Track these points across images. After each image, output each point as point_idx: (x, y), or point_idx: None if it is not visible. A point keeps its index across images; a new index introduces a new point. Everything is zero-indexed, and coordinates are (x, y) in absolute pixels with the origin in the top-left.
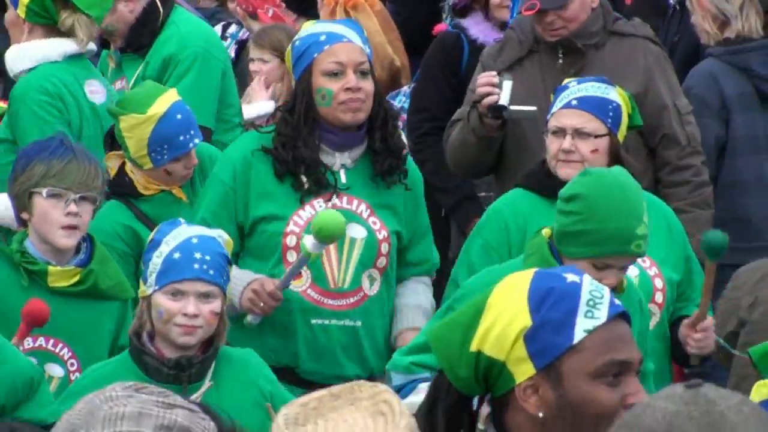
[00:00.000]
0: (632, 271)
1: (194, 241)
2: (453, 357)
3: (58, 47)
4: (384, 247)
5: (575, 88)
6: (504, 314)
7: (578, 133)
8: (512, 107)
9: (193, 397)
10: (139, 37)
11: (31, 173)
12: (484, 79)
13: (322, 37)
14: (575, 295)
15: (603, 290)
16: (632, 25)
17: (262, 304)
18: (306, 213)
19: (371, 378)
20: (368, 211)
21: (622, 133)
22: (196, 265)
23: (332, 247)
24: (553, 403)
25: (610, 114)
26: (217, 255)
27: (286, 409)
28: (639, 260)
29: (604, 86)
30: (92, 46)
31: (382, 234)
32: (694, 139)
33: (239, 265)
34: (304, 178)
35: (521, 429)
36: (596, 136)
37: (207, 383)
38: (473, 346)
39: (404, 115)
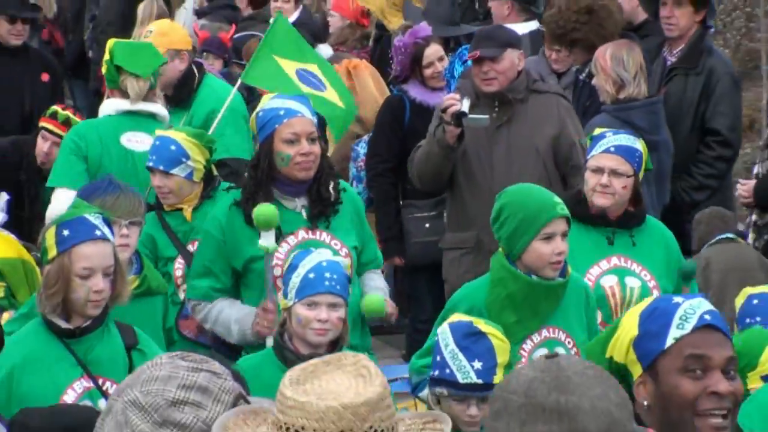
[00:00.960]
0: (635, 283)
1: (324, 264)
2: (597, 362)
3: (112, 105)
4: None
5: (612, 138)
6: (625, 328)
7: (614, 173)
8: (470, 116)
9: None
10: (180, 94)
11: (90, 202)
12: (449, 96)
13: (281, 112)
14: (672, 312)
15: (697, 308)
16: (547, 85)
17: (265, 323)
18: (284, 248)
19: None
20: (329, 236)
21: (641, 174)
22: (326, 282)
23: None
24: (654, 394)
25: (637, 159)
26: (341, 275)
27: (291, 372)
28: (640, 273)
29: (633, 138)
30: (158, 109)
31: (343, 251)
32: None
33: (242, 296)
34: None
35: (643, 417)
36: (627, 176)
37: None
38: (608, 353)
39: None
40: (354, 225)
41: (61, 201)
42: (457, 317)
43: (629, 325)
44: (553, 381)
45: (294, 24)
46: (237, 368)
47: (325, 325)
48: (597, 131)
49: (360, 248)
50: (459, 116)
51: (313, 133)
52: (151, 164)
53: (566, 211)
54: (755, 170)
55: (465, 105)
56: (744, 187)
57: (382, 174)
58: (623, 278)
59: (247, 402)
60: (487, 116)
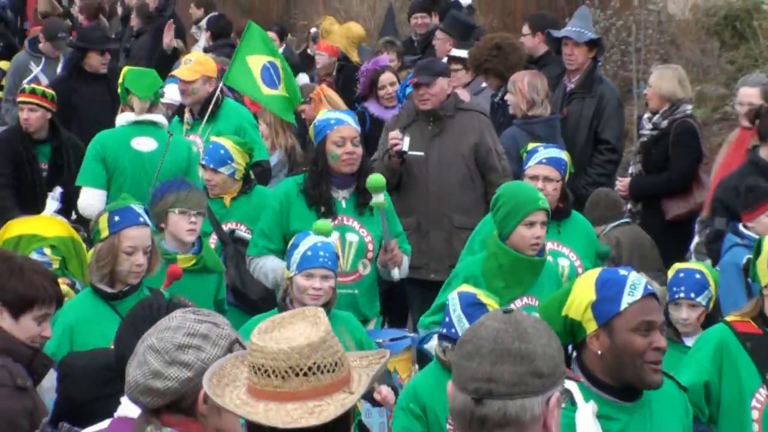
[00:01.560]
0: (565, 262)
1: (318, 244)
2: (553, 319)
3: (123, 117)
4: (370, 245)
5: (543, 151)
6: (581, 293)
7: (546, 179)
8: (409, 152)
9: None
10: (205, 110)
11: (166, 201)
12: (394, 136)
13: (332, 121)
14: (623, 282)
15: (641, 280)
16: (470, 105)
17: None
18: (333, 236)
19: (364, 321)
20: (358, 224)
21: (566, 178)
22: (320, 259)
23: (339, 248)
24: (607, 345)
25: (563, 167)
26: (331, 253)
27: (261, 323)
28: (568, 254)
29: (558, 150)
30: (158, 118)
31: (368, 238)
32: (505, 170)
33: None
34: (323, 208)
35: (590, 362)
36: (556, 181)
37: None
38: (563, 312)
39: None
40: (376, 220)
41: (87, 196)
42: (465, 288)
43: (585, 291)
44: (515, 332)
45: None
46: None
47: (319, 292)
48: (530, 146)
49: (379, 237)
50: (401, 153)
51: (356, 138)
52: (203, 162)
53: (546, 205)
54: (630, 170)
55: (405, 144)
56: (621, 184)
57: None
58: (556, 258)
59: (243, 347)
60: (421, 153)
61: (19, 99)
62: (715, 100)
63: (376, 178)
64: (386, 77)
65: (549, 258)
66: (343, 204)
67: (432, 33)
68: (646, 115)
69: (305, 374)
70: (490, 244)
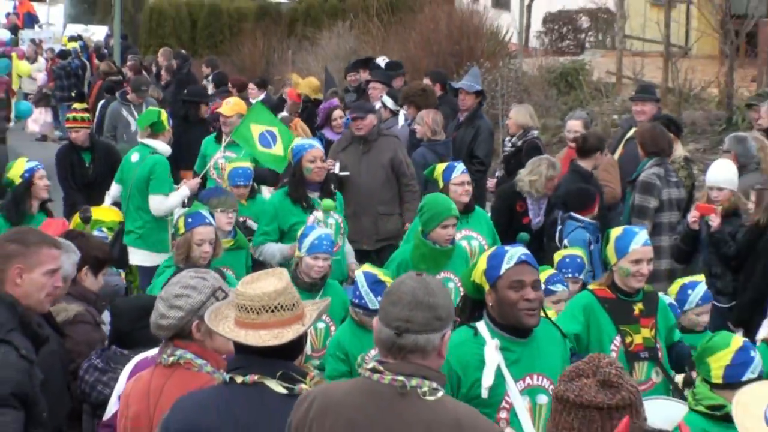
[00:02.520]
0: (475, 243)
1: (322, 235)
2: (466, 284)
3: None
4: (341, 224)
5: (459, 167)
6: (480, 264)
7: (466, 183)
8: (339, 173)
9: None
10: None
11: (210, 203)
12: (329, 161)
13: (306, 145)
14: (503, 254)
15: (517, 252)
16: (389, 130)
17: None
18: (311, 219)
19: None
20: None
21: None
22: (324, 245)
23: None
24: (495, 299)
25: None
26: (330, 241)
27: (245, 277)
28: (477, 237)
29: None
30: (147, 141)
31: (339, 220)
32: (411, 175)
33: (285, 242)
34: (304, 204)
35: (491, 311)
36: (468, 184)
37: (326, 299)
38: (472, 278)
39: None
40: (342, 205)
41: (114, 189)
42: (367, 268)
43: (482, 263)
44: (425, 289)
45: (261, 101)
46: (219, 270)
47: (321, 269)
48: (447, 165)
49: (342, 221)
50: (335, 173)
51: (322, 157)
52: (240, 181)
53: (456, 213)
54: (496, 174)
55: (336, 167)
56: (490, 184)
57: None
58: (470, 240)
59: (225, 293)
60: (348, 173)
61: (68, 125)
62: (553, 129)
63: (326, 203)
64: (337, 113)
65: (463, 241)
66: (318, 200)
67: (361, 85)
68: (507, 138)
69: (272, 311)
70: (416, 238)
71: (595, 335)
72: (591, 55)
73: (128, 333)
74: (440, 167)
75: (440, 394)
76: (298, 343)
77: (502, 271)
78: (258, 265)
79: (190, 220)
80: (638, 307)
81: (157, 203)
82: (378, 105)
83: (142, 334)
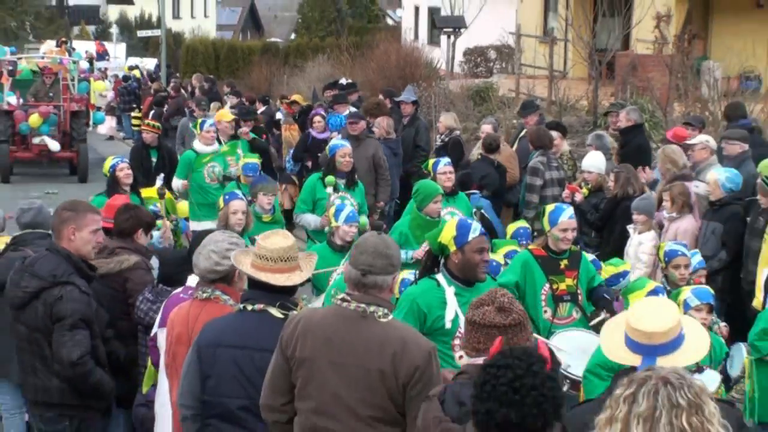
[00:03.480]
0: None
1: (351, 212)
2: (433, 243)
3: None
4: (355, 205)
5: (443, 160)
6: (449, 230)
7: (449, 173)
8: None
9: (310, 257)
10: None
11: (256, 188)
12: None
13: (339, 144)
14: (469, 226)
15: (479, 226)
16: (370, 134)
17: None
18: (333, 197)
19: None
20: (349, 197)
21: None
22: (354, 217)
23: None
24: (461, 258)
25: (452, 167)
26: (356, 216)
27: (262, 234)
28: (458, 214)
29: (447, 159)
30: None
31: (354, 204)
32: (386, 168)
33: (315, 212)
34: (332, 188)
35: (451, 266)
36: (451, 173)
37: (313, 253)
38: (439, 239)
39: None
40: (360, 194)
41: (175, 181)
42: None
43: (451, 228)
44: (384, 243)
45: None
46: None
47: (353, 234)
48: (435, 160)
49: (360, 204)
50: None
51: (350, 153)
52: (249, 173)
53: (442, 191)
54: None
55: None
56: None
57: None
58: (453, 215)
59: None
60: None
61: (143, 129)
62: (471, 130)
63: (328, 179)
64: (317, 117)
65: (447, 216)
66: (342, 185)
67: (335, 98)
68: (438, 136)
69: (284, 261)
70: (413, 213)
71: (530, 282)
72: (497, 78)
73: (171, 276)
74: (430, 162)
75: (390, 317)
76: (295, 287)
77: (469, 238)
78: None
79: (227, 197)
80: (564, 263)
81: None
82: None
83: (181, 277)
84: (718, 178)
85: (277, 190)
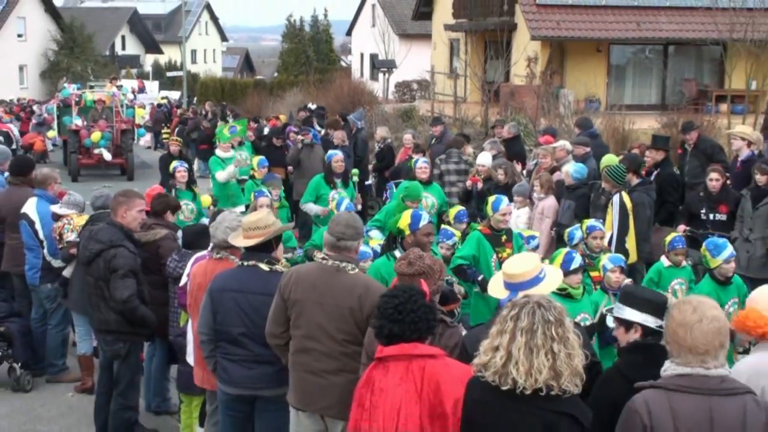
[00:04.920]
0: (430, 201)
1: (348, 202)
2: (392, 227)
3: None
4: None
5: (423, 159)
6: (404, 219)
7: (425, 170)
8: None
9: (286, 226)
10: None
11: (266, 182)
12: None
13: (333, 154)
14: (420, 216)
15: (427, 216)
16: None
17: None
18: (333, 192)
19: None
20: (345, 193)
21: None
22: (352, 207)
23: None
24: (413, 239)
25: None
26: (351, 205)
27: (248, 215)
28: (431, 197)
29: (426, 159)
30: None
31: (349, 197)
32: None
33: (319, 203)
34: (332, 185)
35: (406, 244)
36: (427, 166)
37: (290, 224)
38: (398, 225)
39: None
40: (351, 190)
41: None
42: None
43: (406, 218)
44: (351, 218)
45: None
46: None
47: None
48: (415, 159)
49: (350, 197)
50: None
51: (342, 159)
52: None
53: (422, 198)
54: (372, 162)
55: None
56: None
57: None
58: (426, 199)
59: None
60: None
61: (170, 142)
62: (400, 139)
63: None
64: (289, 130)
65: (423, 200)
66: (338, 184)
67: (308, 118)
68: (376, 143)
69: (254, 229)
70: (398, 201)
71: (482, 254)
72: (418, 102)
73: (191, 243)
74: (413, 161)
75: (357, 270)
76: (269, 245)
77: (420, 225)
78: (296, 217)
79: (257, 194)
80: (504, 237)
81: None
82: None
83: (198, 243)
84: (569, 170)
85: (280, 185)
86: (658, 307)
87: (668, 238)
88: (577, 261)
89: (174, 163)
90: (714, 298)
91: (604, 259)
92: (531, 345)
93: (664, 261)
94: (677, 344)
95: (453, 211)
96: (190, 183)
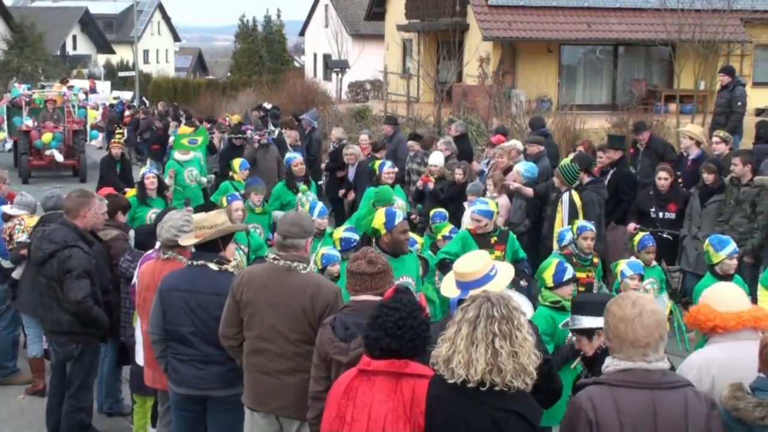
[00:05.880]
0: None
1: (322, 205)
2: (367, 227)
3: None
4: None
5: (388, 163)
6: (379, 218)
7: (391, 174)
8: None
9: (236, 226)
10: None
11: (249, 188)
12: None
13: (293, 157)
14: (395, 214)
15: (401, 214)
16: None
17: None
18: (299, 197)
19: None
20: (310, 193)
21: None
22: (325, 212)
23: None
24: (390, 238)
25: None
26: (325, 209)
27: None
28: (398, 200)
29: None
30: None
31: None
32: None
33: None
34: (294, 190)
35: (383, 244)
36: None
37: (244, 225)
38: (373, 225)
39: None
40: (313, 190)
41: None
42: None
43: (380, 217)
44: (299, 215)
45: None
46: None
47: (324, 225)
48: (381, 162)
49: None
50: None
51: (302, 162)
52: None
53: (393, 202)
54: (325, 161)
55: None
56: (323, 166)
57: None
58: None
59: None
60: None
61: (113, 145)
62: (356, 140)
63: (302, 187)
64: (245, 128)
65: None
66: (300, 186)
67: (259, 118)
68: (330, 144)
69: (199, 228)
70: (370, 207)
71: (469, 251)
72: (371, 102)
73: (143, 243)
74: (377, 163)
75: (308, 269)
76: (216, 244)
77: (396, 223)
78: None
79: (229, 198)
80: (493, 239)
81: None
82: (272, 128)
83: (151, 244)
84: (520, 170)
85: (264, 190)
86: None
87: (637, 238)
88: (569, 272)
89: (143, 170)
90: None
91: (623, 265)
92: (472, 338)
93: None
94: (619, 339)
95: (432, 212)
96: (161, 189)
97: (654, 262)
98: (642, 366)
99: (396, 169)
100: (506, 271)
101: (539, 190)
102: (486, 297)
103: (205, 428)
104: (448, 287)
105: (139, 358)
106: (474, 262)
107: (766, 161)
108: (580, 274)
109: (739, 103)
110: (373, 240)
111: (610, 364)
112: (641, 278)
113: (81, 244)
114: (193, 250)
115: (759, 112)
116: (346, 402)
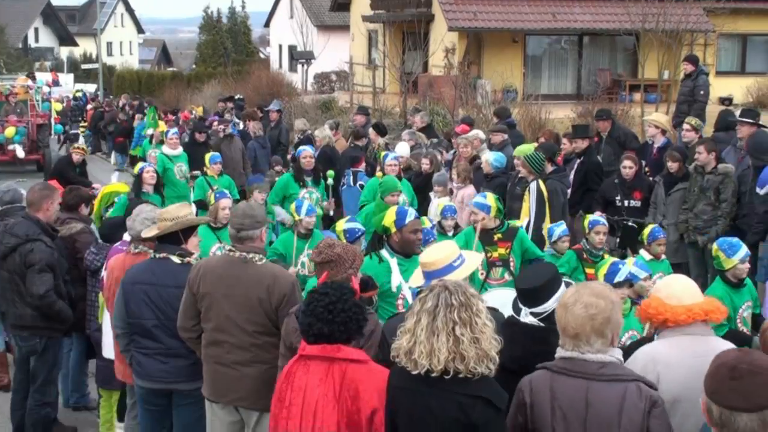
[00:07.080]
0: (401, 198)
1: (308, 204)
2: (378, 226)
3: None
4: (319, 200)
5: (391, 153)
6: (389, 216)
7: (395, 167)
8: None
9: (200, 219)
10: None
11: (252, 186)
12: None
13: (302, 149)
14: (406, 212)
15: (413, 212)
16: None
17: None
18: (303, 192)
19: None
20: (315, 191)
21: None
22: (312, 210)
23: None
24: (401, 237)
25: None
26: (313, 208)
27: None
28: (403, 196)
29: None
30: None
31: (317, 195)
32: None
33: (284, 207)
34: (301, 183)
35: (393, 243)
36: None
37: (203, 218)
38: (383, 222)
39: None
40: (322, 188)
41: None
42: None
43: (391, 215)
44: (250, 207)
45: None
46: None
47: (311, 223)
48: (384, 153)
49: (321, 195)
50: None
51: (312, 156)
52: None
53: (400, 187)
54: (292, 153)
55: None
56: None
57: None
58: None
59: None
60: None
61: (74, 150)
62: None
63: (329, 173)
64: (212, 119)
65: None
66: (309, 181)
67: (225, 110)
68: (296, 135)
69: (161, 221)
70: (378, 200)
71: (470, 249)
72: (337, 93)
73: (108, 235)
74: (382, 155)
75: (264, 261)
76: (177, 237)
77: (406, 222)
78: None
79: (217, 195)
80: (498, 236)
81: None
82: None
83: (117, 236)
84: (489, 159)
85: (267, 188)
86: (557, 278)
87: (585, 221)
88: (623, 273)
89: (140, 165)
90: (727, 303)
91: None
92: (432, 327)
93: (645, 255)
94: (559, 324)
95: (440, 205)
96: (159, 186)
97: (648, 255)
98: (579, 356)
99: (398, 162)
100: (471, 261)
101: (502, 181)
102: (443, 286)
103: (171, 421)
104: (416, 277)
105: (107, 352)
106: (437, 252)
107: (726, 149)
108: (590, 271)
109: (702, 92)
110: (384, 238)
111: (558, 350)
112: (649, 277)
113: (44, 238)
114: (156, 242)
115: (722, 100)
116: (286, 386)
